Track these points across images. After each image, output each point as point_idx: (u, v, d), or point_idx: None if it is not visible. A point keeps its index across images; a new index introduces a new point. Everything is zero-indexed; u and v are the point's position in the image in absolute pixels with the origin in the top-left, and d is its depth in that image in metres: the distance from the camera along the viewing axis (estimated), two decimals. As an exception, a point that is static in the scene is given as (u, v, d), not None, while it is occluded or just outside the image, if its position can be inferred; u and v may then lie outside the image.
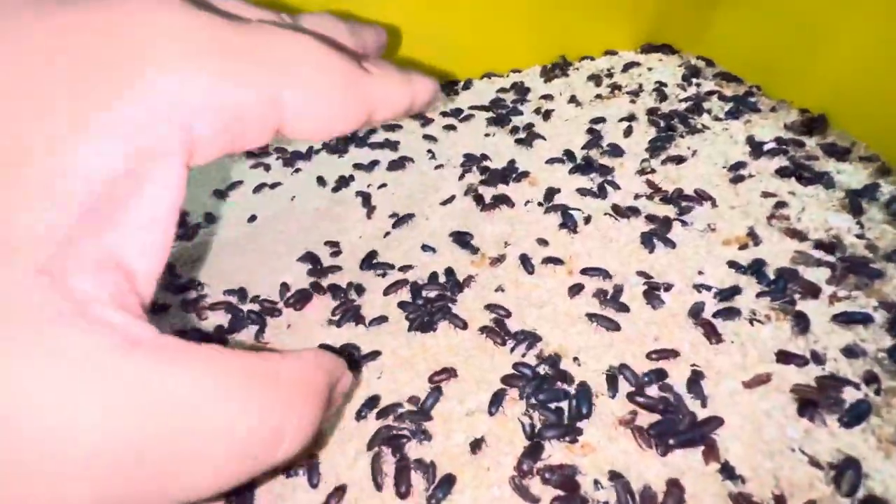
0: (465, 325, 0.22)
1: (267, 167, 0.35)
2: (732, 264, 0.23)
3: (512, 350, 0.21)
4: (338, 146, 0.36)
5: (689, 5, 0.39)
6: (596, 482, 0.16)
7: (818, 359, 0.19)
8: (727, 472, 0.16)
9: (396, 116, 0.18)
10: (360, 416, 0.19)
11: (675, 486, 0.16)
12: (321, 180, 0.33)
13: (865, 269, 0.21)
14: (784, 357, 0.19)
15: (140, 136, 0.11)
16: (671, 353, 0.20)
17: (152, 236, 0.12)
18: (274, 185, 0.33)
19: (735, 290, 0.22)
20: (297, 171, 0.34)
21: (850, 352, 0.19)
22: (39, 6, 0.11)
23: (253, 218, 0.31)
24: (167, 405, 0.10)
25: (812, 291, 0.21)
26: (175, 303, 0.25)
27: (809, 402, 0.17)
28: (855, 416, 0.17)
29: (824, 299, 0.21)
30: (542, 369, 0.20)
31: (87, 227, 0.10)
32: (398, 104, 0.17)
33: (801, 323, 0.20)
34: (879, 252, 0.22)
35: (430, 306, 0.23)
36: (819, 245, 0.23)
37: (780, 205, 0.26)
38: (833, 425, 0.17)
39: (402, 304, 0.23)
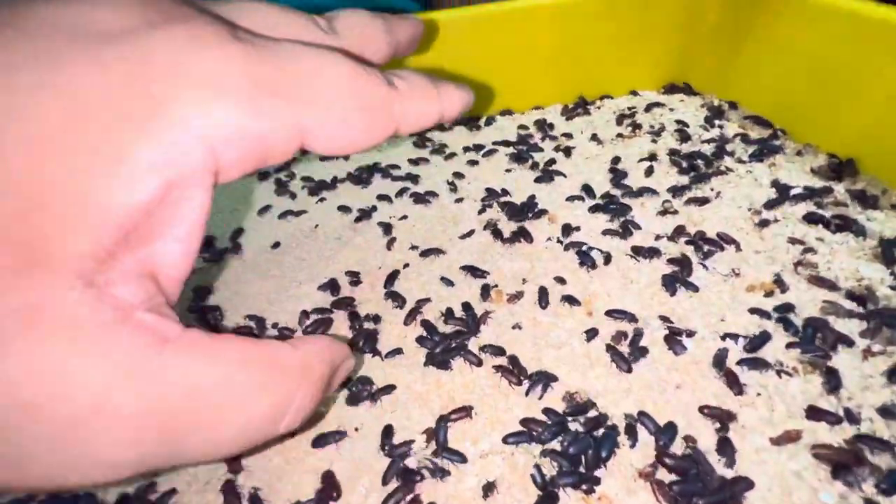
0: (479, 363, 0.22)
1: (293, 195, 0.36)
2: (757, 311, 0.22)
3: (527, 392, 0.21)
4: (362, 177, 0.37)
5: (713, 47, 0.40)
6: (613, 539, 0.16)
7: (852, 418, 0.18)
8: (755, 537, 0.15)
9: (426, 127, 0.18)
10: (381, 450, 0.19)
11: (698, 550, 0.15)
12: (344, 209, 0.34)
13: (901, 324, 0.20)
14: (815, 413, 0.18)
15: (173, 168, 0.12)
16: (721, 414, 0.19)
17: (183, 248, 0.13)
18: (299, 213, 0.34)
19: (761, 339, 0.21)
20: (322, 199, 0.36)
21: (888, 412, 0.18)
22: (81, 44, 0.12)
23: (276, 244, 0.32)
24: (190, 388, 0.12)
25: (844, 344, 0.20)
26: (195, 326, 0.26)
27: (844, 465, 0.16)
28: (894, 483, 0.16)
29: (857, 353, 0.20)
30: (561, 412, 0.19)
31: (128, 244, 0.12)
32: (426, 117, 0.18)
33: (833, 378, 0.19)
34: (916, 306, 0.21)
35: (446, 342, 0.23)
36: (850, 295, 0.22)
37: (808, 251, 0.25)
38: (870, 491, 0.16)
39: (419, 339, 0.23)
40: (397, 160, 0.38)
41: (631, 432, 0.18)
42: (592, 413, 0.19)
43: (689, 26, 0.40)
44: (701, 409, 0.19)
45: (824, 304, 0.22)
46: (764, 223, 0.27)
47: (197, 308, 0.27)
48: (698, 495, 0.16)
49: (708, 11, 0.39)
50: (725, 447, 0.17)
